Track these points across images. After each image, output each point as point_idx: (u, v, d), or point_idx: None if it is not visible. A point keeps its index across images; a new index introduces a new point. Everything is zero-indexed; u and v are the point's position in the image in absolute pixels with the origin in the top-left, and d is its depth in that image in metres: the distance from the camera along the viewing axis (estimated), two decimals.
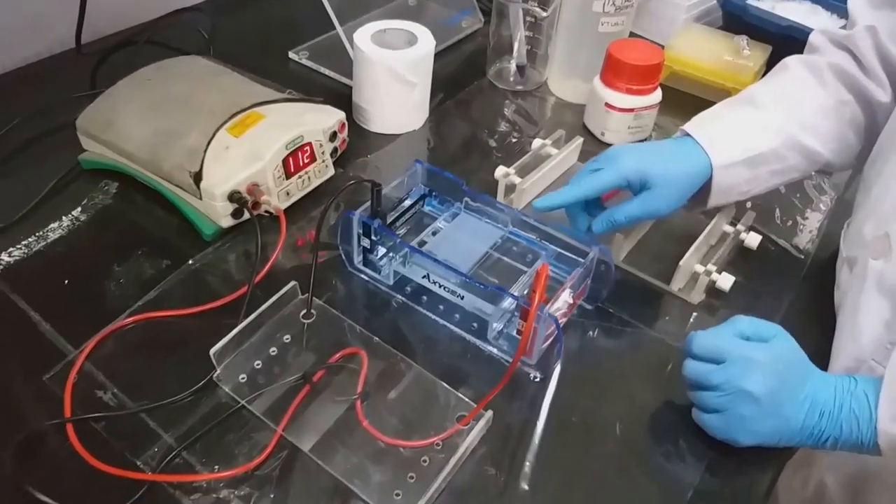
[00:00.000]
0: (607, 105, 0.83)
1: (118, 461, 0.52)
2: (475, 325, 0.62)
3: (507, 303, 0.59)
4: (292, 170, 0.70)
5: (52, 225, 0.69)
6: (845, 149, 0.70)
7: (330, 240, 0.70)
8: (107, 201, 0.72)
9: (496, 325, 0.61)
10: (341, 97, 0.85)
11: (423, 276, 0.63)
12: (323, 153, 0.73)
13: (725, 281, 0.67)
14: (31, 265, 0.65)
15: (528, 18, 0.89)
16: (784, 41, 0.92)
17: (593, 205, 0.67)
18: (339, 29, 0.87)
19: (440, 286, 0.62)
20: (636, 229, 0.71)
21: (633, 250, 0.72)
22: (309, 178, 0.73)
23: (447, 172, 0.70)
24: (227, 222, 0.68)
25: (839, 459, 0.67)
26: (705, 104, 0.72)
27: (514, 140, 0.87)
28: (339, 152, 0.78)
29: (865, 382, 0.53)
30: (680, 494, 0.54)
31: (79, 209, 0.71)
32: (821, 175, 0.85)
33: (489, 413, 0.55)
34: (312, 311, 0.62)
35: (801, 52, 0.73)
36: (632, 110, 0.83)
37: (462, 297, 0.61)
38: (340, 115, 0.76)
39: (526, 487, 0.53)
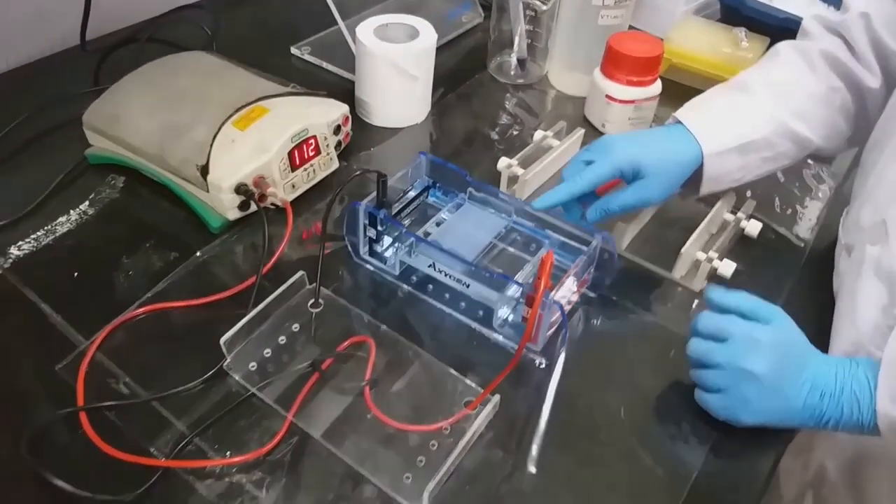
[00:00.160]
0: (608, 97, 0.84)
1: (132, 448, 0.52)
2: (481, 312, 0.63)
3: (513, 290, 0.60)
4: (298, 162, 0.71)
5: (60, 219, 0.70)
6: (835, 135, 0.71)
7: (335, 231, 0.70)
8: (114, 195, 0.73)
9: (502, 313, 0.62)
10: (343, 92, 0.86)
11: (429, 266, 0.64)
12: (328, 146, 0.74)
13: (727, 268, 0.68)
14: (41, 258, 0.66)
15: (529, 12, 0.90)
16: (781, 33, 0.92)
17: (587, 194, 0.68)
18: (340, 24, 0.88)
19: (446, 275, 0.63)
20: (638, 218, 0.72)
21: (635, 238, 0.73)
22: (314, 170, 0.73)
23: (451, 164, 0.70)
24: (233, 215, 0.69)
25: (839, 444, 0.68)
26: None
27: (515, 133, 0.88)
28: (342, 145, 0.79)
29: (866, 365, 0.54)
30: (684, 476, 0.55)
31: (86, 203, 0.72)
32: (819, 164, 0.86)
33: (496, 397, 0.56)
34: (320, 300, 0.63)
35: None
36: (632, 102, 0.84)
37: (468, 286, 0.62)
38: (344, 108, 0.77)
39: (533, 470, 0.54)
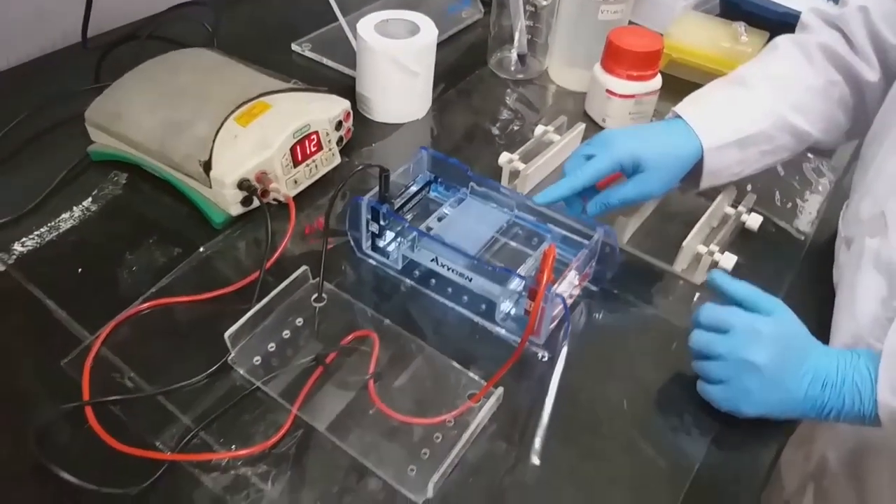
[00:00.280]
0: (608, 91, 0.84)
1: (137, 442, 0.53)
2: (483, 306, 0.64)
3: (515, 284, 0.60)
4: (300, 158, 0.71)
5: (63, 215, 0.70)
6: (834, 128, 0.72)
7: (337, 226, 0.71)
8: (117, 192, 0.73)
9: (504, 307, 0.62)
10: (344, 88, 0.86)
11: (432, 260, 0.64)
12: (329, 141, 0.74)
13: (728, 261, 0.68)
14: (45, 254, 0.66)
15: (529, 8, 0.90)
16: (781, 27, 0.93)
17: (588, 188, 0.68)
18: (341, 20, 0.88)
19: (448, 269, 0.63)
20: (639, 212, 0.72)
21: (636, 232, 0.73)
22: (316, 166, 0.74)
23: (452, 159, 0.71)
24: (236, 210, 0.69)
25: (840, 435, 0.68)
26: None
27: (516, 128, 0.88)
28: (344, 141, 0.79)
29: (867, 356, 0.55)
30: (687, 468, 0.55)
31: (89, 200, 0.72)
32: (819, 158, 0.86)
33: (500, 390, 0.56)
34: (324, 294, 0.63)
35: None
36: (632, 96, 0.84)
37: (470, 280, 0.63)
38: (345, 104, 0.77)
39: (536, 462, 0.54)
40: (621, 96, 0.84)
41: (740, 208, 0.74)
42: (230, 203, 0.68)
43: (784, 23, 0.95)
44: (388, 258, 0.67)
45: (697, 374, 0.58)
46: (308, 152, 0.72)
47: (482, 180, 0.70)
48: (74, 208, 0.71)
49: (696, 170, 0.68)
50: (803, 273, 0.72)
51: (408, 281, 0.67)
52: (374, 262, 0.68)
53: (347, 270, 0.68)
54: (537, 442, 0.56)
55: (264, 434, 0.54)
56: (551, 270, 0.56)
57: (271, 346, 0.59)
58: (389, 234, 0.66)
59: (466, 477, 0.53)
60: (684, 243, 0.68)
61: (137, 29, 0.94)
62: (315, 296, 0.63)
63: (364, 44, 0.81)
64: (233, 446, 0.53)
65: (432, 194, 0.73)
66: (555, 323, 0.63)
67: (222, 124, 0.68)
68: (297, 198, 0.72)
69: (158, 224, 0.70)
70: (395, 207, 0.68)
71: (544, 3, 0.89)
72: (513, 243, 0.69)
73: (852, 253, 0.64)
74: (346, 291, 0.65)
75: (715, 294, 0.59)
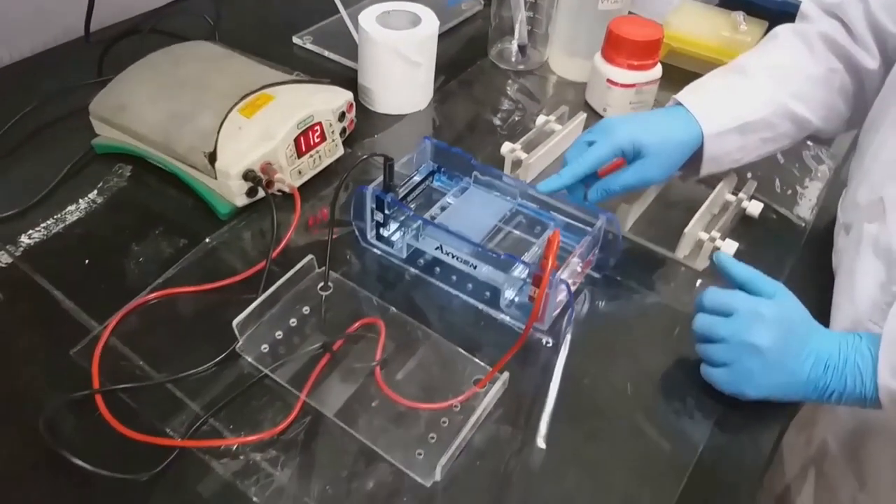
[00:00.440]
0: (609, 81, 0.85)
1: (147, 430, 0.53)
2: (488, 294, 0.64)
3: (519, 271, 0.61)
4: (304, 149, 0.72)
5: (69, 208, 0.71)
6: (834, 116, 0.72)
7: (341, 217, 0.71)
8: (122, 184, 0.74)
9: (508, 294, 0.63)
10: (346, 80, 0.86)
11: (436, 248, 0.65)
12: (333, 132, 0.75)
13: (729, 247, 0.69)
14: (51, 246, 0.67)
15: None
16: (780, 16, 0.93)
17: (590, 175, 0.69)
18: (342, 12, 0.89)
19: (453, 257, 0.64)
20: (641, 199, 0.73)
21: (638, 220, 0.74)
22: (320, 156, 0.74)
23: (455, 148, 0.71)
24: (241, 201, 0.69)
25: (840, 419, 0.69)
26: None
27: (517, 118, 0.88)
28: (347, 132, 0.79)
29: (869, 338, 0.55)
30: (690, 450, 0.56)
31: (95, 192, 0.72)
32: (819, 146, 0.87)
33: (505, 375, 0.57)
34: (329, 283, 0.64)
35: None
36: (633, 86, 0.85)
37: (475, 267, 0.63)
38: (348, 95, 0.77)
39: (542, 445, 0.55)
40: (622, 86, 0.85)
41: (741, 195, 0.74)
42: (235, 194, 0.68)
43: (783, 12, 0.96)
44: (392, 247, 0.68)
45: (700, 358, 0.59)
46: (312, 143, 0.72)
47: (485, 169, 0.71)
48: (80, 201, 0.71)
49: (696, 157, 0.69)
50: (804, 259, 0.73)
51: (412, 269, 0.67)
52: (378, 252, 0.69)
53: (352, 260, 0.68)
54: (542, 426, 0.56)
55: (273, 420, 0.55)
56: (555, 256, 0.57)
57: (278, 334, 0.60)
58: (394, 224, 0.67)
59: (473, 460, 0.54)
60: (686, 230, 0.68)
61: (139, 23, 0.94)
62: (321, 284, 0.64)
63: (366, 35, 0.81)
64: (242, 433, 0.54)
65: (436, 184, 0.74)
66: (558, 309, 0.63)
67: (226, 116, 0.69)
68: (300, 189, 0.72)
69: (164, 216, 0.71)
70: (399, 197, 0.69)
71: None
72: (516, 232, 0.70)
73: (851, 239, 0.65)
74: (352, 280, 0.65)
75: (718, 276, 0.60)
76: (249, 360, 0.58)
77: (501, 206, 0.71)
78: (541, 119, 0.82)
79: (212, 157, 0.67)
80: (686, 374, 0.60)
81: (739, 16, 0.97)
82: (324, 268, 0.65)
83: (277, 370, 0.57)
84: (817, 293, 0.66)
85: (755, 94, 0.69)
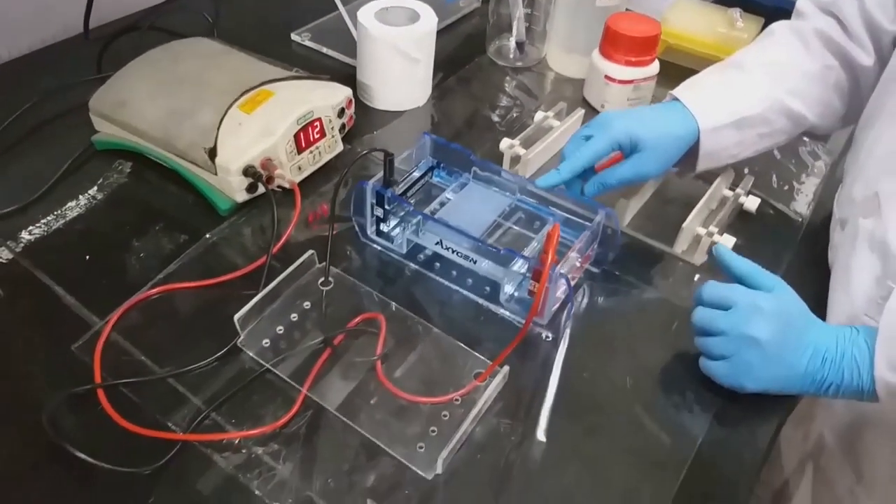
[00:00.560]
0: (607, 77, 0.85)
1: (150, 424, 0.53)
2: (487, 288, 0.65)
3: (519, 265, 0.61)
4: (303, 145, 0.72)
5: (69, 204, 0.71)
6: (830, 113, 0.72)
7: (341, 212, 0.71)
8: (122, 180, 0.74)
9: (508, 289, 0.63)
10: (344, 77, 0.86)
11: (436, 243, 0.65)
12: (332, 128, 0.75)
13: (727, 242, 0.69)
14: (52, 242, 0.67)
15: None
16: (775, 13, 0.94)
17: (588, 170, 0.69)
18: (341, 8, 0.89)
19: (453, 252, 0.64)
20: (639, 194, 0.73)
21: (636, 215, 0.74)
22: (319, 152, 0.74)
23: (455, 144, 0.71)
24: (241, 197, 0.70)
25: (837, 414, 0.70)
26: None
27: (515, 115, 0.89)
28: (346, 128, 0.80)
29: (866, 332, 0.56)
30: (689, 443, 0.56)
31: (95, 188, 0.73)
32: (815, 142, 0.87)
33: (505, 369, 0.57)
34: (330, 278, 0.64)
35: None
36: (631, 82, 0.85)
37: (475, 262, 0.63)
38: (347, 91, 0.78)
39: (542, 439, 0.55)
40: (620, 82, 0.85)
41: (738, 191, 0.75)
42: (235, 190, 0.69)
43: (779, 8, 0.96)
44: (392, 242, 0.68)
45: (699, 352, 0.59)
46: (311, 139, 0.73)
47: (484, 165, 0.71)
48: (80, 197, 0.72)
49: (693, 152, 0.69)
50: (800, 254, 0.73)
51: (412, 265, 0.68)
52: (378, 247, 0.69)
53: (352, 255, 0.68)
54: (542, 419, 0.57)
55: (274, 415, 0.55)
56: (555, 250, 0.57)
57: (280, 329, 0.60)
58: (394, 219, 0.67)
59: (474, 453, 0.54)
60: (684, 225, 0.69)
61: (138, 20, 0.94)
62: (322, 280, 0.64)
63: (365, 31, 0.81)
64: (244, 427, 0.54)
65: (435, 179, 0.74)
66: (558, 304, 0.64)
67: (226, 112, 0.69)
68: (300, 185, 0.73)
69: (164, 211, 0.71)
70: (399, 193, 0.69)
71: None
72: (515, 227, 0.70)
73: (846, 234, 0.65)
74: (352, 276, 0.66)
75: (716, 270, 0.60)
76: (251, 354, 0.59)
77: (500, 201, 0.71)
78: (539, 115, 0.83)
79: (212, 153, 0.67)
80: (685, 368, 0.61)
81: (736, 12, 0.98)
82: (324, 263, 0.65)
83: (279, 365, 0.58)
84: (814, 288, 0.67)
85: (751, 89, 0.69)
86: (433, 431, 0.54)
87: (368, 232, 0.68)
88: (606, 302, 0.67)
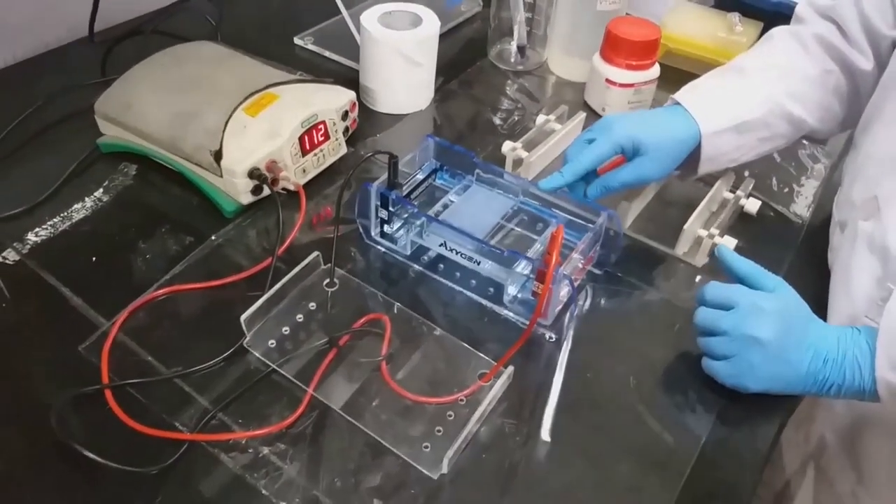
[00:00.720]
0: (607, 81, 0.86)
1: (157, 424, 0.54)
2: (491, 290, 0.65)
3: (522, 267, 0.62)
4: (308, 148, 0.73)
5: (75, 206, 0.71)
6: (830, 117, 0.73)
7: (345, 214, 0.72)
8: (127, 182, 0.74)
9: (512, 290, 0.64)
10: (347, 81, 0.87)
11: (440, 245, 0.65)
12: (336, 131, 0.76)
13: (728, 244, 0.70)
14: (58, 244, 0.67)
15: (528, 0, 0.92)
16: (774, 17, 0.95)
17: (590, 173, 0.70)
18: (344, 12, 0.90)
19: (457, 253, 0.65)
20: (640, 197, 0.74)
21: (638, 217, 0.75)
22: (324, 155, 0.75)
23: (458, 146, 0.72)
24: (247, 199, 0.70)
25: (837, 415, 0.70)
26: None
27: (517, 118, 0.89)
28: (350, 131, 0.80)
29: (868, 332, 0.56)
30: (693, 443, 0.57)
31: (101, 190, 0.73)
32: (814, 145, 0.88)
33: (510, 369, 0.58)
34: (335, 279, 0.64)
35: None
36: (631, 85, 0.86)
37: (478, 263, 0.64)
38: (351, 94, 0.78)
39: (547, 438, 0.56)
40: (620, 85, 0.86)
41: (739, 193, 0.75)
42: (241, 192, 0.69)
43: (778, 13, 0.97)
44: (396, 244, 0.68)
45: (702, 352, 0.60)
46: (316, 142, 0.73)
47: (487, 167, 0.72)
48: (86, 199, 0.72)
49: (694, 156, 0.70)
50: (801, 255, 0.74)
51: (416, 266, 0.68)
52: (382, 249, 0.70)
53: (357, 257, 0.69)
54: (546, 419, 0.57)
55: (280, 415, 0.55)
56: (559, 251, 0.57)
57: (285, 330, 0.61)
58: (398, 221, 0.67)
59: (479, 453, 0.55)
60: (685, 227, 0.69)
61: (142, 24, 0.95)
62: (327, 281, 0.64)
63: (368, 35, 0.82)
64: (251, 426, 0.54)
65: (438, 182, 0.74)
66: (561, 305, 0.64)
67: (231, 114, 0.70)
68: (304, 187, 0.73)
69: (170, 214, 0.72)
70: (403, 195, 0.69)
71: None
72: (518, 229, 0.71)
73: (846, 236, 0.66)
74: (357, 277, 0.66)
75: (717, 272, 0.61)
76: (257, 355, 0.59)
77: (503, 203, 0.71)
78: (541, 118, 0.83)
79: (217, 156, 0.68)
80: (687, 368, 0.61)
81: (735, 17, 0.98)
82: (329, 264, 0.65)
83: (284, 365, 0.58)
84: (814, 289, 0.67)
85: (752, 93, 0.70)
86: (438, 431, 0.55)
87: (373, 233, 0.69)
88: (609, 303, 0.68)
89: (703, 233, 0.70)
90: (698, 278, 0.70)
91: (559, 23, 0.94)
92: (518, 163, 0.78)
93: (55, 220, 0.69)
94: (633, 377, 0.61)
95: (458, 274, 0.67)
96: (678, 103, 0.70)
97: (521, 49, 0.96)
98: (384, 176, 0.67)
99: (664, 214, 0.76)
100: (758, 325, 0.55)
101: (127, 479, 0.51)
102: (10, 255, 0.66)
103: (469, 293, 0.66)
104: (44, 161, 0.76)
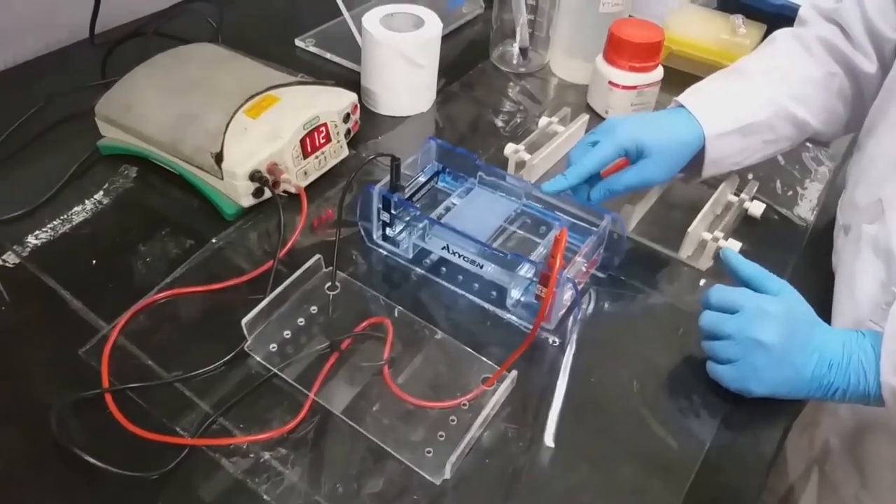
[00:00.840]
0: (610, 83, 0.86)
1: (158, 428, 0.53)
2: (494, 293, 0.65)
3: (525, 270, 0.62)
4: (309, 150, 0.72)
5: (76, 208, 0.71)
6: (834, 120, 0.73)
7: (347, 217, 0.71)
8: (128, 185, 0.74)
9: (515, 294, 0.63)
10: (348, 83, 0.86)
11: (443, 248, 0.65)
12: (338, 134, 0.75)
13: (732, 247, 0.69)
14: (58, 247, 0.67)
15: (530, 2, 0.91)
16: (777, 20, 0.95)
17: (594, 175, 0.69)
18: (345, 14, 0.89)
19: (459, 256, 0.64)
20: (644, 199, 0.73)
21: (641, 220, 0.75)
22: (325, 157, 0.75)
23: (460, 148, 0.72)
24: (247, 202, 0.70)
25: (842, 420, 0.70)
26: None
27: (519, 120, 0.89)
28: (351, 134, 0.80)
29: (872, 336, 0.56)
30: (697, 447, 0.56)
31: (101, 193, 0.73)
32: (818, 147, 0.88)
33: (513, 373, 0.57)
34: (337, 283, 0.64)
35: None
36: (635, 87, 0.85)
37: (481, 267, 0.64)
38: (353, 96, 0.78)
39: (550, 443, 0.55)
40: (624, 87, 0.85)
41: (743, 196, 0.75)
42: (242, 194, 0.69)
43: (781, 15, 0.97)
44: (398, 247, 0.68)
45: (706, 356, 0.59)
46: (317, 144, 0.73)
47: (490, 169, 0.71)
48: (86, 201, 0.72)
49: (698, 159, 0.69)
50: (806, 258, 0.74)
51: (418, 270, 0.68)
52: (384, 252, 0.69)
53: (358, 260, 0.69)
54: (550, 424, 0.57)
55: (282, 419, 0.55)
56: (563, 254, 0.57)
57: (287, 334, 0.60)
58: (400, 224, 0.67)
59: (482, 458, 0.54)
60: (689, 230, 0.69)
61: (142, 25, 0.94)
62: (328, 284, 0.64)
63: (370, 37, 0.82)
64: (252, 431, 0.54)
65: (440, 184, 0.74)
66: (564, 309, 0.64)
67: (232, 117, 0.69)
68: (306, 190, 0.73)
69: (170, 216, 0.71)
70: (405, 197, 0.69)
71: None
72: (521, 232, 0.71)
73: (850, 239, 0.66)
74: (358, 280, 0.66)
75: (722, 275, 0.60)
76: (258, 359, 0.59)
77: (506, 206, 0.71)
78: (543, 120, 0.83)
79: (218, 158, 0.67)
80: (691, 372, 0.61)
81: (738, 19, 0.98)
82: (331, 268, 0.65)
83: (286, 369, 0.58)
84: (819, 292, 0.67)
85: (756, 96, 0.70)
86: (441, 436, 0.54)
87: (374, 236, 0.69)
88: (612, 307, 0.67)
89: (708, 236, 0.69)
90: (702, 282, 0.70)
91: (562, 24, 0.94)
92: (521, 165, 0.77)
93: (55, 222, 0.69)
94: (636, 381, 0.60)
95: (460, 277, 0.66)
96: (682, 106, 0.69)
97: (523, 51, 0.96)
98: (386, 178, 0.67)
99: (668, 217, 0.75)
100: (762, 329, 0.55)
101: (127, 483, 0.51)
102: (10, 258, 0.65)
103: (472, 297, 0.66)
104: (44, 163, 0.76)
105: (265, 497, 0.51)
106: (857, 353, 0.55)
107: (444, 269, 0.67)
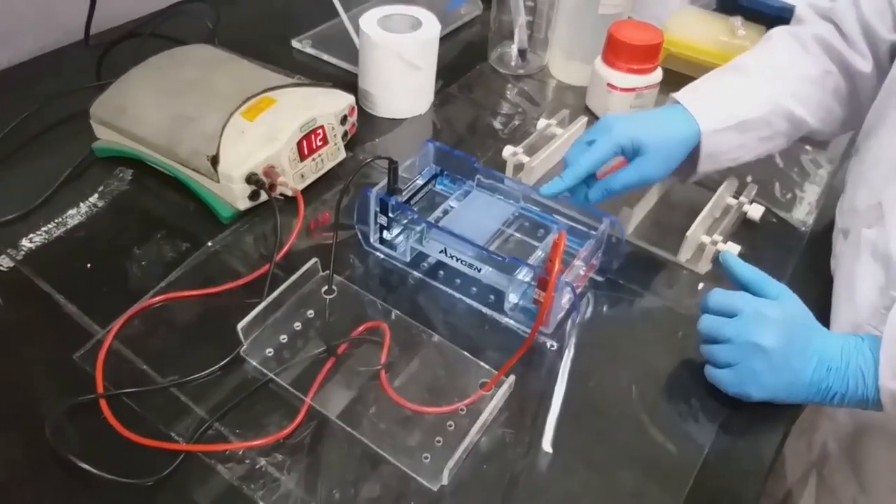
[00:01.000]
0: (609, 85, 0.85)
1: (153, 434, 0.53)
2: (492, 297, 0.64)
3: (523, 274, 0.61)
4: (306, 152, 0.72)
5: (70, 211, 0.70)
6: (830, 118, 0.73)
7: (344, 221, 0.71)
8: (123, 187, 0.74)
9: (512, 297, 0.63)
10: (345, 84, 0.86)
11: (440, 251, 0.65)
12: (335, 136, 0.75)
13: (731, 250, 0.69)
14: (53, 250, 0.67)
15: (528, 3, 0.91)
16: (777, 21, 0.94)
17: (591, 176, 0.69)
18: (343, 15, 0.89)
19: (457, 260, 0.64)
20: (642, 202, 0.73)
21: (640, 223, 0.74)
22: (322, 160, 0.74)
23: (458, 151, 0.71)
24: (244, 205, 0.69)
25: (840, 424, 0.69)
26: None
27: (517, 122, 0.89)
28: (348, 136, 0.79)
29: (871, 340, 0.55)
30: (696, 452, 0.56)
31: (96, 196, 0.72)
32: (816, 150, 0.87)
33: (511, 378, 0.57)
34: (334, 287, 0.64)
35: None
36: (633, 90, 0.85)
37: (479, 270, 0.63)
38: (350, 98, 0.78)
39: (549, 448, 0.55)
40: (622, 90, 0.85)
41: (742, 199, 0.75)
42: (238, 197, 0.68)
43: (780, 17, 0.96)
44: (395, 250, 0.68)
45: (704, 361, 0.59)
46: (314, 146, 0.72)
47: (488, 172, 0.71)
48: (81, 204, 0.71)
49: (694, 156, 0.69)
50: (804, 262, 0.73)
51: (416, 273, 0.67)
52: (381, 256, 0.69)
53: (355, 263, 0.68)
54: (548, 429, 0.56)
55: (278, 424, 0.54)
56: (561, 258, 0.57)
57: (283, 338, 0.60)
58: (397, 227, 0.67)
59: (480, 463, 0.54)
60: (688, 233, 0.69)
61: (138, 27, 0.94)
62: (325, 288, 0.64)
63: (367, 38, 0.81)
64: (247, 437, 0.53)
65: (438, 187, 0.74)
66: (563, 313, 0.64)
67: (229, 119, 0.69)
68: (302, 192, 0.72)
69: (165, 219, 0.71)
70: (403, 200, 0.69)
71: None
72: (519, 235, 0.70)
73: (849, 243, 0.65)
74: (355, 284, 0.65)
75: (721, 279, 0.60)
76: (254, 363, 0.58)
77: (504, 209, 0.71)
78: (542, 123, 0.83)
79: (214, 161, 0.67)
80: (690, 377, 0.61)
81: (737, 21, 0.98)
82: (327, 271, 0.64)
83: (282, 374, 0.57)
84: (817, 297, 0.66)
85: (752, 92, 0.69)
86: (438, 441, 0.54)
87: (372, 240, 0.68)
88: (611, 310, 0.67)
89: (707, 239, 0.69)
90: (701, 285, 0.69)
91: (560, 26, 0.94)
92: (519, 168, 0.77)
93: (50, 225, 0.69)
94: (635, 386, 0.60)
95: (458, 281, 0.66)
96: (678, 102, 0.69)
97: (521, 53, 0.96)
98: (384, 181, 0.66)
99: (667, 221, 0.75)
100: (761, 333, 0.55)
101: (122, 490, 0.50)
102: (4, 262, 0.65)
103: (469, 300, 0.65)
104: (39, 166, 0.75)
105: (261, 503, 0.50)
106: (856, 358, 0.55)
107: (441, 272, 0.67)
